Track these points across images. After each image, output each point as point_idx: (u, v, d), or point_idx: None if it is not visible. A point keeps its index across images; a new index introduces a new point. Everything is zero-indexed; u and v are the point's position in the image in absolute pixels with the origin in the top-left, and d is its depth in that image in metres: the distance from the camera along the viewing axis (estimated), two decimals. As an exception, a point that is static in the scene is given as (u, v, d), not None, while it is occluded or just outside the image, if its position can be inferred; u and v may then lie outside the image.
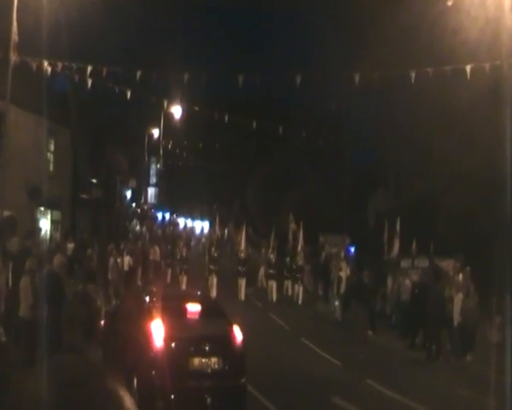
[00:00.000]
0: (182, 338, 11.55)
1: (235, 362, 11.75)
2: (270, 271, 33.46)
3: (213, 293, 30.26)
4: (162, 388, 10.79)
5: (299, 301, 31.81)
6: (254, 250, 40.85)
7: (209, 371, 11.36)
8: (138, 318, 12.16)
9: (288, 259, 34.96)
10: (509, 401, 12.49)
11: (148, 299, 13.46)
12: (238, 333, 12.09)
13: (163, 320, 11.55)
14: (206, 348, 11.51)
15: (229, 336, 11.99)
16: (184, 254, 34.72)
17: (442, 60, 22.63)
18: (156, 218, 70.66)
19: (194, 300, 13.19)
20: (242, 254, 34.82)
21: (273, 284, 32.73)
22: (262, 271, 36.30)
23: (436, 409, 13.15)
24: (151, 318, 11.71)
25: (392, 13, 29.92)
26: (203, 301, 13.62)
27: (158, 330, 11.33)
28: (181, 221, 73.40)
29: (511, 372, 13.75)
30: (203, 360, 11.37)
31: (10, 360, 3.69)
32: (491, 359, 15.25)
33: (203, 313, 12.28)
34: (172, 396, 10.81)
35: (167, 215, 75.12)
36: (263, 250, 39.59)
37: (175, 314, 12.08)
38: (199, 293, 16.73)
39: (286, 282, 34.24)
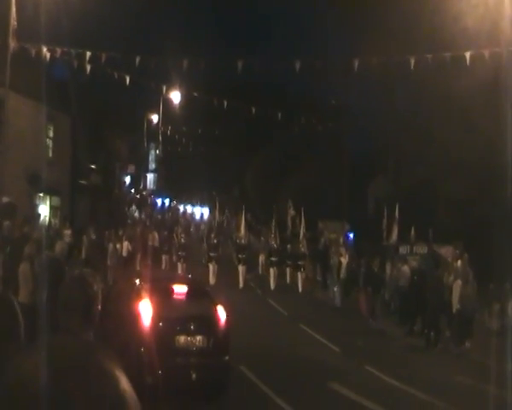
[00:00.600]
0: (168, 318, 12.04)
1: (219, 340, 12.23)
2: (272, 258, 32.40)
3: (213, 281, 30.09)
4: (150, 364, 11.16)
5: (300, 289, 31.09)
6: (254, 237, 40.20)
7: (194, 348, 11.88)
8: (128, 299, 12.49)
9: (289, 246, 34.16)
10: (509, 388, 12.56)
11: (137, 281, 13.93)
12: (222, 313, 12.55)
13: (151, 301, 12.01)
14: (192, 327, 11.99)
15: (214, 315, 12.46)
16: (183, 240, 34.14)
17: (442, 46, 22.60)
18: (156, 204, 70.68)
19: (180, 282, 14.01)
20: (243, 241, 34.45)
21: (274, 272, 31.81)
22: (262, 258, 35.28)
23: (435, 396, 13.16)
24: (140, 298, 12.17)
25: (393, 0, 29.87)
26: (189, 283, 14.31)
27: (146, 310, 11.80)
28: (181, 208, 73.32)
29: (511, 359, 13.82)
30: (188, 339, 11.87)
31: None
32: (491, 346, 15.30)
33: (189, 294, 12.83)
34: (160, 372, 11.20)
35: (167, 201, 75.14)
36: (262, 238, 39.10)
37: (162, 295, 12.54)
38: (186, 276, 18.29)
39: (288, 269, 33.32)
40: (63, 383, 2.54)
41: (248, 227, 38.21)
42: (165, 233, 37.80)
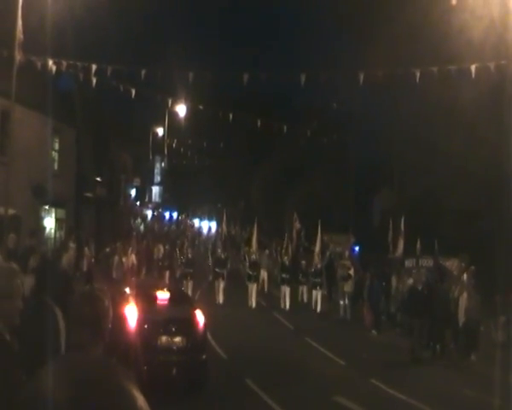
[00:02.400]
0: (152, 320, 13.60)
1: (197, 341, 13.78)
2: (283, 275, 29.93)
3: (221, 299, 28.67)
4: (136, 361, 12.26)
5: (318, 309, 28.56)
6: (262, 252, 37.57)
7: (175, 347, 13.45)
8: (117, 304, 13.24)
9: (303, 262, 31.53)
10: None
11: (125, 288, 15.86)
12: (200, 316, 14.17)
13: (136, 305, 13.72)
14: (173, 329, 13.58)
15: (193, 318, 14.07)
16: (190, 255, 31.63)
17: (447, 59, 22.60)
18: (164, 217, 70.75)
19: (163, 288, 16.15)
20: (254, 257, 32.22)
21: (286, 290, 29.29)
22: (265, 274, 34.08)
23: (440, 409, 13.11)
24: (126, 303, 13.80)
25: (398, 12, 29.91)
26: (171, 289, 16.74)
27: (132, 314, 13.39)
28: (188, 221, 73.47)
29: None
30: (170, 339, 13.45)
31: (16, 359, 3.69)
32: (496, 358, 15.23)
33: (171, 299, 14.75)
34: (145, 368, 12.35)
35: (175, 215, 75.40)
36: (266, 251, 37.61)
37: (147, 300, 14.27)
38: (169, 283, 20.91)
39: (301, 287, 30.99)
40: (82, 400, 2.54)
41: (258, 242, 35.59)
42: (167, 247, 35.58)
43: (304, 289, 30.86)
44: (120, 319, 12.99)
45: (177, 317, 14.13)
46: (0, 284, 4.18)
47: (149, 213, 71.99)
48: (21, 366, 3.05)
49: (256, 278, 30.10)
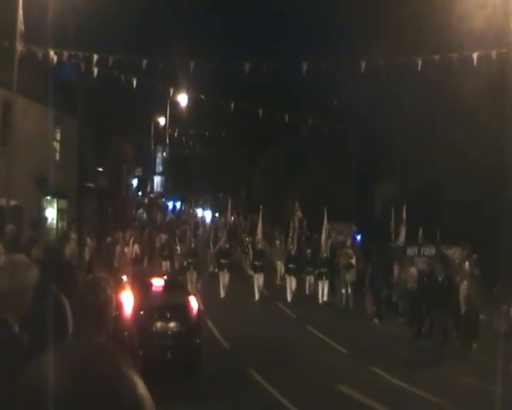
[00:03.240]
0: (147, 306, 14.22)
1: (191, 326, 14.39)
2: (290, 265, 28.77)
3: (223, 292, 27.72)
4: (132, 346, 12.55)
5: (325, 299, 27.89)
6: (273, 243, 37.09)
7: (169, 332, 14.12)
8: (115, 292, 13.97)
9: (309, 251, 30.40)
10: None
11: (122, 276, 16.67)
12: (194, 302, 14.90)
13: (132, 292, 14.31)
14: (167, 315, 14.22)
15: (187, 305, 14.69)
16: (193, 245, 30.93)
17: (449, 47, 22.57)
18: (167, 207, 70.77)
19: (158, 276, 17.13)
20: (259, 246, 31.35)
21: (293, 281, 28.23)
22: (280, 265, 33.16)
23: (442, 397, 13.13)
24: (122, 290, 14.14)
25: (399, 0, 29.83)
26: (166, 277, 17.78)
27: (128, 300, 13.79)
28: (192, 211, 73.50)
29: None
30: (164, 324, 14.12)
31: (24, 352, 3.71)
32: (498, 347, 15.26)
33: (166, 286, 15.65)
34: (141, 352, 12.64)
35: (178, 204, 75.51)
36: (277, 242, 36.66)
37: (143, 287, 15.04)
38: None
39: (308, 278, 29.88)
40: (81, 385, 2.54)
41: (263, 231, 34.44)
42: (165, 237, 34.34)
43: (311, 279, 29.82)
44: (118, 306, 13.26)
45: (172, 303, 14.74)
46: (11, 278, 4.14)
47: (170, 204, 72.74)
48: (31, 357, 3.07)
49: (262, 269, 28.78)
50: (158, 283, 15.72)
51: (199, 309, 15.08)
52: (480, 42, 20.87)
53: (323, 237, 31.58)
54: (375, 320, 23.92)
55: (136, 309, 13.79)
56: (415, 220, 27.50)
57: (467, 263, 21.75)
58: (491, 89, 25.30)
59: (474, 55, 20.61)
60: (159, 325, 14.02)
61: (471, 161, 31.29)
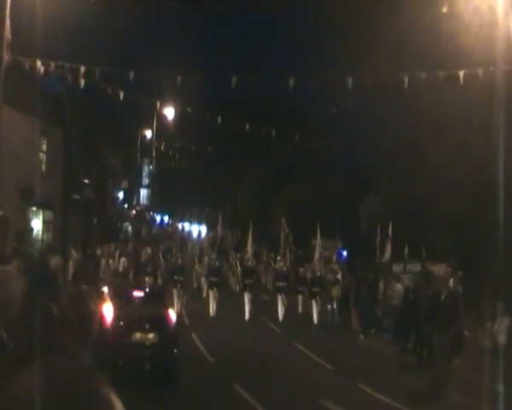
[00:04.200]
0: (127, 317, 14.72)
1: (169, 337, 14.77)
2: (280, 283, 27.91)
3: (213, 311, 26.52)
4: (112, 356, 13.17)
5: (315, 321, 26.76)
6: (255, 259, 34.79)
7: (148, 343, 14.50)
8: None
9: (301, 269, 29.43)
10: (499, 406, 12.50)
11: (103, 288, 16.98)
12: (172, 314, 15.60)
13: (112, 304, 14.79)
14: (146, 326, 14.64)
15: (165, 316, 15.23)
16: (180, 261, 29.27)
17: (435, 65, 22.69)
18: (155, 220, 70.65)
19: (138, 288, 17.83)
20: (250, 263, 30.09)
21: (283, 300, 27.25)
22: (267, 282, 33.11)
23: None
24: (103, 302, 14.42)
25: (387, 18, 29.97)
26: (146, 289, 18.51)
27: (108, 312, 14.25)
28: (179, 225, 73.43)
29: (501, 378, 13.75)
30: (143, 335, 14.51)
31: (11, 358, 3.71)
32: (483, 364, 15.24)
33: (145, 298, 16.38)
34: (120, 362, 13.46)
35: (166, 218, 75.50)
36: (264, 259, 36.60)
37: (122, 299, 15.64)
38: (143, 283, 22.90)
39: (299, 297, 28.61)
40: (60, 406, 2.52)
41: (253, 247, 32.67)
42: (149, 252, 33.19)
43: (303, 298, 28.54)
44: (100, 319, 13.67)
45: (151, 315, 15.25)
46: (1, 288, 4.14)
47: (158, 218, 72.78)
48: (18, 364, 3.02)
49: (252, 287, 27.71)
50: (138, 294, 16.53)
51: (177, 321, 15.80)
52: (466, 60, 20.99)
53: (317, 254, 30.58)
54: (361, 336, 23.89)
55: (116, 320, 14.39)
56: (401, 237, 27.53)
57: (451, 280, 21.75)
58: (477, 107, 25.42)
59: (461, 73, 20.73)
60: (138, 335, 14.44)
61: (457, 178, 31.38)
